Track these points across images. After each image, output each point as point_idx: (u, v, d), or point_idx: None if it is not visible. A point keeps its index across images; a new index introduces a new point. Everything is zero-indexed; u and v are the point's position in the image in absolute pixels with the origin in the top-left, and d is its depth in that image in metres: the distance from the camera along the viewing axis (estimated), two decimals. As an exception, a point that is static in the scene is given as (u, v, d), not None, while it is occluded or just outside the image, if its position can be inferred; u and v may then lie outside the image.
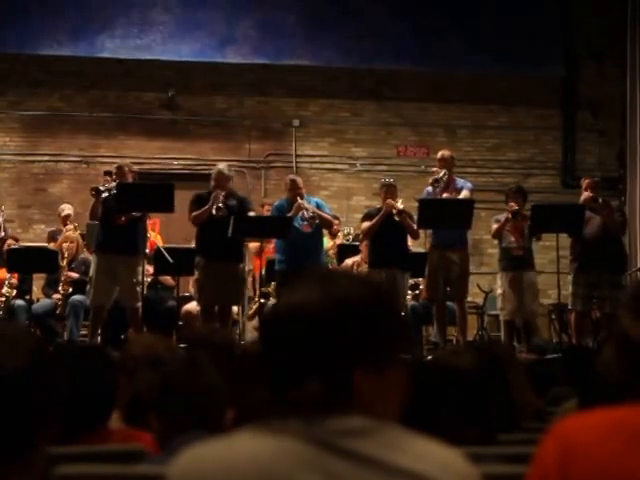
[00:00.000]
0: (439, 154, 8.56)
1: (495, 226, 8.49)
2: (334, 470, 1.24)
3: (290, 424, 1.28)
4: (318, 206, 8.35)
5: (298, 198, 8.17)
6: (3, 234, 9.31)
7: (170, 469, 1.31)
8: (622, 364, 1.39)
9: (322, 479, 1.24)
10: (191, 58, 11.72)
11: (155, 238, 9.41)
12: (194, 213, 7.90)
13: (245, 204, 8.18)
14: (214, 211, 7.78)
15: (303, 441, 1.26)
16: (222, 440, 1.31)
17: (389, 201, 8.22)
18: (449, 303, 8.42)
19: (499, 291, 8.56)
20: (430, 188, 8.34)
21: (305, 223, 8.18)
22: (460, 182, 8.49)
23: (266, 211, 10.00)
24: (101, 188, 7.96)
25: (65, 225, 9.38)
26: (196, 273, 8.01)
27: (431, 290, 8.28)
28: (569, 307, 8.56)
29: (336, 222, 9.55)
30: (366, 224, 8.32)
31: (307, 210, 8.13)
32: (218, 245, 7.78)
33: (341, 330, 1.30)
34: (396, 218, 8.13)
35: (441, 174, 8.27)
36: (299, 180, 8.47)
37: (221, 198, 7.83)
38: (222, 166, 8.29)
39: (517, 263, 8.37)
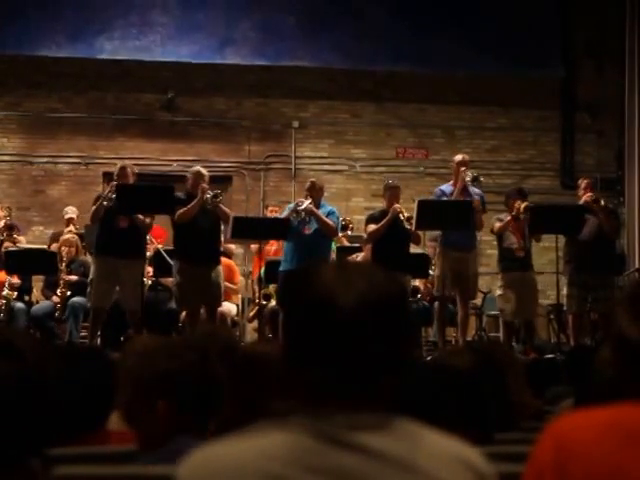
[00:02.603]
0: (462, 157, 8.61)
1: (498, 224, 8.47)
2: (343, 466, 1.24)
3: (299, 421, 1.28)
4: (328, 214, 8.24)
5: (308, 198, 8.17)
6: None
7: (179, 469, 1.29)
8: (619, 364, 1.39)
9: (330, 476, 1.24)
10: (190, 59, 11.71)
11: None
12: (181, 210, 7.79)
13: None
14: (208, 204, 7.76)
15: (312, 438, 1.26)
16: (231, 439, 1.30)
17: (397, 206, 8.19)
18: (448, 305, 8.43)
19: (499, 292, 8.55)
20: (445, 188, 8.35)
21: (305, 225, 8.16)
22: (473, 189, 8.48)
23: (270, 212, 9.99)
24: (105, 203, 7.86)
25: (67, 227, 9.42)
26: (176, 277, 7.97)
27: (441, 289, 8.27)
28: (565, 309, 8.57)
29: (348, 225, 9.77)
30: (372, 227, 8.28)
31: (301, 206, 8.05)
32: (196, 248, 7.78)
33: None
34: (406, 225, 8.06)
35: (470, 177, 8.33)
36: (319, 184, 8.41)
37: (209, 191, 7.84)
38: (199, 167, 8.35)
39: (518, 264, 8.36)
